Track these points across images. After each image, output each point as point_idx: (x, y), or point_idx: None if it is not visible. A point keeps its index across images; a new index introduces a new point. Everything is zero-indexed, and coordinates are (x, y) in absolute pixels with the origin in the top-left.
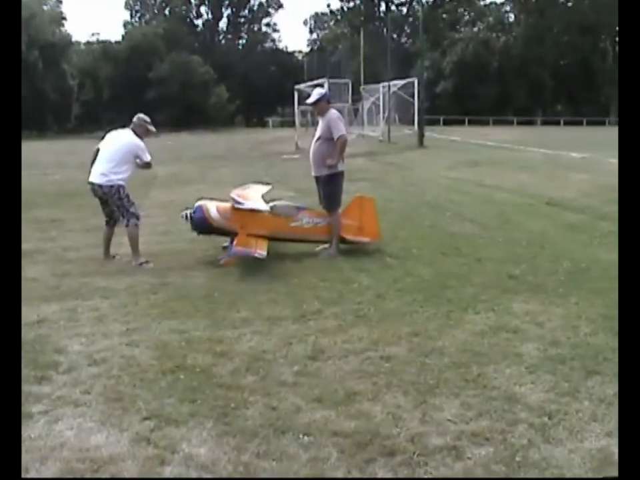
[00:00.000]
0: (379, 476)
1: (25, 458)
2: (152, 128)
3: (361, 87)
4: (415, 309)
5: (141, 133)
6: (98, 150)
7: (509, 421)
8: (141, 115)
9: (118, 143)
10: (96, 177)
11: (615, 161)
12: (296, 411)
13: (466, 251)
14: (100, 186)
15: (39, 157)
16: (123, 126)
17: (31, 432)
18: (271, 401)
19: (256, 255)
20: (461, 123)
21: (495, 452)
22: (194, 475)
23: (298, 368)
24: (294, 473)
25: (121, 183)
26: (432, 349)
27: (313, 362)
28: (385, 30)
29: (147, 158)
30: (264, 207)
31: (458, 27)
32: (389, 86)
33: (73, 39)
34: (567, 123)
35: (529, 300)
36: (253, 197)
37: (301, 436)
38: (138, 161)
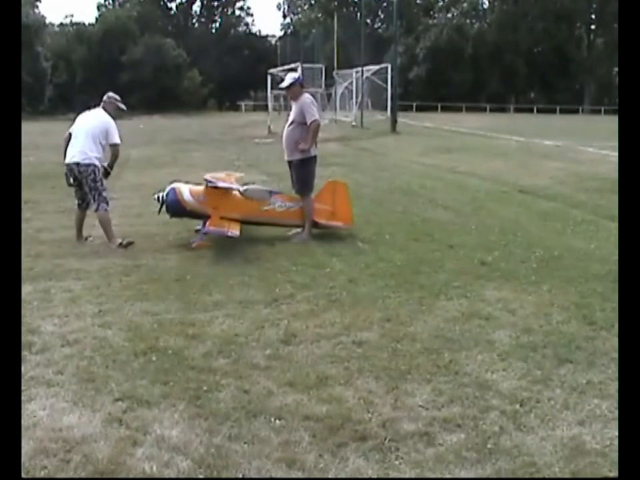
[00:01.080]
0: (350, 461)
1: None
2: (122, 105)
3: (334, 72)
4: (387, 295)
5: (111, 110)
6: (70, 135)
7: (481, 408)
8: (111, 94)
9: (92, 122)
10: (74, 156)
11: (589, 149)
12: (268, 394)
13: (438, 237)
14: (77, 164)
15: None
16: (89, 107)
17: None
18: (243, 384)
19: (229, 234)
20: (434, 109)
21: (466, 438)
22: (166, 457)
23: (270, 351)
24: (266, 456)
25: (97, 163)
26: (404, 334)
27: (285, 346)
28: (358, 15)
29: (117, 139)
30: (237, 186)
31: (432, 12)
32: (362, 71)
33: (47, 21)
34: (540, 111)
35: (502, 287)
36: (226, 180)
37: (272, 419)
38: (106, 140)
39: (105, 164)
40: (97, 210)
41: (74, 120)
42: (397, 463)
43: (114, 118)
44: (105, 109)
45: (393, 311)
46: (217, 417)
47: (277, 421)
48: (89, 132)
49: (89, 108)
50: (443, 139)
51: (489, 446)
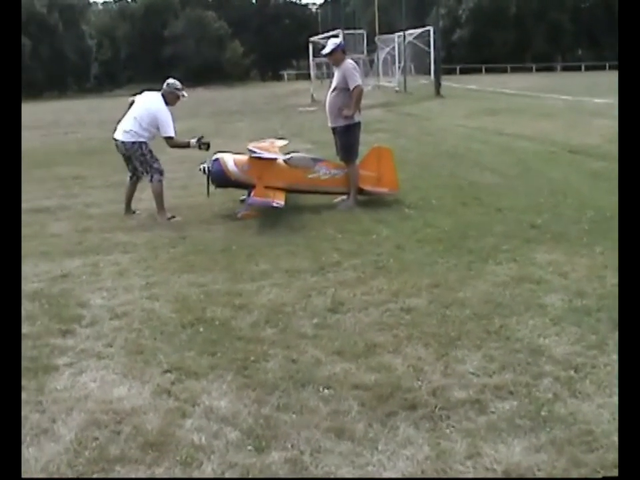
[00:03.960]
0: (400, 430)
1: (52, 409)
2: (182, 94)
3: (376, 37)
4: (435, 260)
5: (170, 100)
6: (132, 102)
7: (534, 374)
8: (171, 81)
9: (145, 107)
10: (119, 133)
11: None
12: (316, 363)
13: (486, 201)
14: (122, 142)
15: (60, 116)
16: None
17: (57, 384)
18: (290, 353)
19: (274, 204)
20: (478, 71)
21: (519, 406)
22: (214, 428)
23: (317, 320)
24: (314, 425)
25: (142, 139)
26: (453, 300)
27: (332, 314)
28: None
29: (169, 132)
30: (281, 156)
31: None
32: (404, 35)
33: (91, 0)
34: (588, 68)
35: (552, 250)
36: (270, 149)
37: (321, 389)
38: (157, 130)
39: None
40: (151, 181)
41: (141, 92)
42: (447, 431)
43: (168, 104)
44: (164, 96)
45: (441, 276)
46: (265, 387)
47: (326, 390)
48: (139, 116)
49: (140, 92)
50: (488, 101)
51: (542, 414)
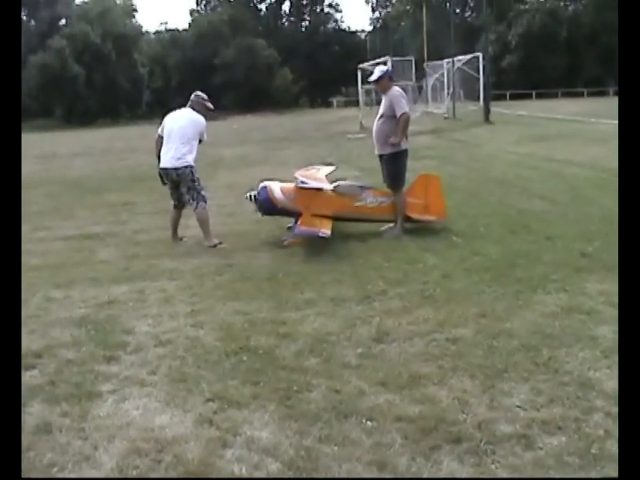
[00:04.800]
0: (444, 464)
1: (94, 436)
2: (210, 105)
3: (425, 64)
4: (483, 289)
5: (200, 110)
6: (161, 137)
7: (583, 409)
8: (199, 93)
9: (182, 123)
10: (169, 161)
11: None
12: (359, 394)
13: (535, 228)
14: (175, 169)
15: (113, 142)
16: (178, 107)
17: (100, 410)
18: (334, 383)
19: (320, 234)
20: (528, 97)
21: (567, 442)
22: (255, 459)
23: (362, 350)
24: (356, 458)
25: (192, 163)
26: (500, 330)
27: (377, 344)
28: (447, 5)
29: (205, 137)
30: (328, 186)
31: None
32: (453, 62)
33: (143, 29)
34: None
35: (604, 279)
36: (317, 177)
37: (364, 420)
38: (201, 138)
39: None
40: (196, 208)
41: (161, 121)
42: (493, 467)
43: (205, 117)
44: (194, 108)
45: (489, 306)
46: (308, 417)
47: (369, 422)
48: (181, 135)
49: (180, 106)
50: (538, 126)
51: (593, 451)
